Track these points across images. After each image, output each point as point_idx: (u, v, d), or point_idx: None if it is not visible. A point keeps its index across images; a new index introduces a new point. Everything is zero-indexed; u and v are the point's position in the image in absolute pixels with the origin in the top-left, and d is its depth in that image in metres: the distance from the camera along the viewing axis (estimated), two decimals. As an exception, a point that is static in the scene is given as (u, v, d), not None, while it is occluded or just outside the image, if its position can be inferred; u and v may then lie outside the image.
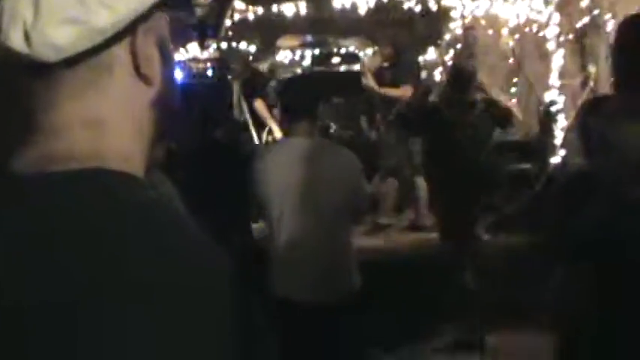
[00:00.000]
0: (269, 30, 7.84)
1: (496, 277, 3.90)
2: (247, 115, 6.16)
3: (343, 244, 2.71)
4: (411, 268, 4.23)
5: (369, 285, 2.73)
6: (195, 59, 7.82)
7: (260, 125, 6.24)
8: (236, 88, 6.31)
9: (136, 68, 0.65)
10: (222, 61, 7.07)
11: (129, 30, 0.63)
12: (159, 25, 0.67)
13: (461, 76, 4.12)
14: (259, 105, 6.13)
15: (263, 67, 7.11)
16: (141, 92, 0.66)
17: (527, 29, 6.10)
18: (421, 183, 5.32)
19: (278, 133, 5.99)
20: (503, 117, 4.17)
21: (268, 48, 8.28)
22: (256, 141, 6.13)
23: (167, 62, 0.68)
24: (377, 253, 4.77)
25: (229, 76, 6.72)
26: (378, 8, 6.90)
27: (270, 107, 6.17)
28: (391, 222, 5.76)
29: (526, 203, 5.10)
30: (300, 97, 2.72)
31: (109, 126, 0.64)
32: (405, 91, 5.47)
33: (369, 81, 5.55)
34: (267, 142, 6.20)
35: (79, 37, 0.60)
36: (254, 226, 3.99)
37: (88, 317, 0.51)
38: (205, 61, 7.87)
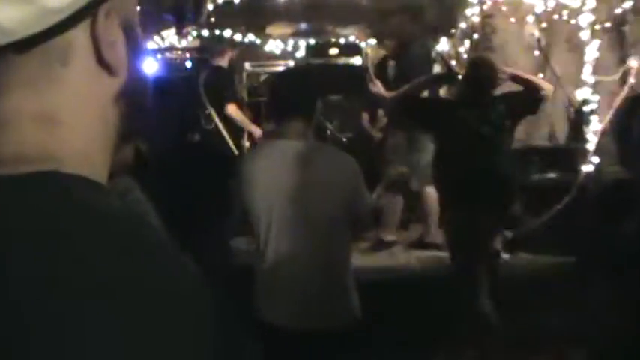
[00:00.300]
0: (257, 16, 7.87)
1: (516, 302, 3.92)
2: (217, 122, 5.95)
3: (340, 261, 2.72)
4: (419, 290, 4.24)
5: (370, 309, 2.75)
6: (171, 48, 7.81)
7: (236, 133, 6.16)
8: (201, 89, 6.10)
9: (98, 55, 0.65)
10: (202, 51, 7.06)
11: (88, 10, 0.63)
12: (124, 5, 0.67)
13: (481, 73, 4.12)
14: (232, 110, 6.02)
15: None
16: (103, 83, 0.66)
17: (555, 16, 6.10)
18: (431, 193, 5.34)
19: (258, 134, 6.04)
20: (529, 97, 4.17)
21: (256, 36, 8.31)
22: (235, 151, 5.99)
23: (134, 48, 0.68)
24: (379, 272, 4.81)
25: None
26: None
27: (241, 107, 6.14)
28: (396, 238, 5.78)
29: (553, 217, 5.12)
30: (293, 94, 2.71)
31: (64, 122, 0.63)
32: None
33: (377, 87, 5.60)
34: (248, 150, 6.16)
35: (28, 19, 0.59)
36: (239, 239, 4.01)
37: (46, 314, 0.51)
38: (184, 50, 7.84)
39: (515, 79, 4.25)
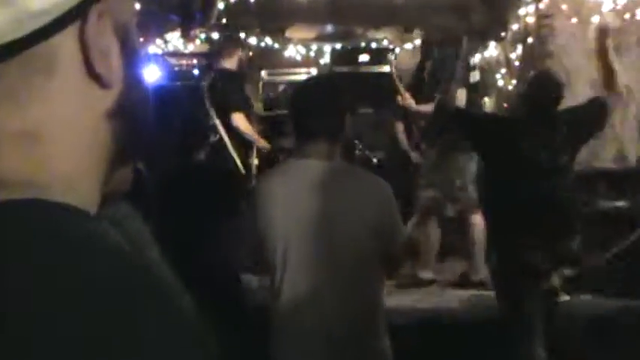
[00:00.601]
0: (276, 16, 7.91)
1: (575, 352, 3.86)
2: (223, 134, 5.99)
3: (370, 302, 2.73)
4: (461, 336, 4.23)
5: (405, 358, 2.76)
6: (176, 54, 7.90)
7: (244, 147, 6.18)
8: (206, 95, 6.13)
9: (88, 65, 0.65)
10: (212, 57, 7.10)
11: (77, 13, 0.63)
12: (119, 6, 0.68)
13: (545, 93, 4.11)
14: (239, 119, 6.03)
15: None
16: (94, 97, 0.66)
17: (626, 16, 6.05)
18: (476, 222, 5.30)
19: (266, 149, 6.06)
20: (595, 111, 4.13)
21: (274, 40, 8.34)
22: (241, 169, 6.03)
23: (131, 57, 0.68)
24: (415, 315, 4.79)
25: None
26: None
27: (251, 120, 6.17)
28: (434, 275, 5.77)
29: (621, 252, 5.05)
30: (318, 108, 2.71)
31: (48, 142, 0.63)
32: None
33: (406, 99, 5.61)
34: (258, 168, 6.17)
35: (6, 23, 0.59)
36: (248, 277, 4.04)
37: None
38: (190, 56, 7.94)
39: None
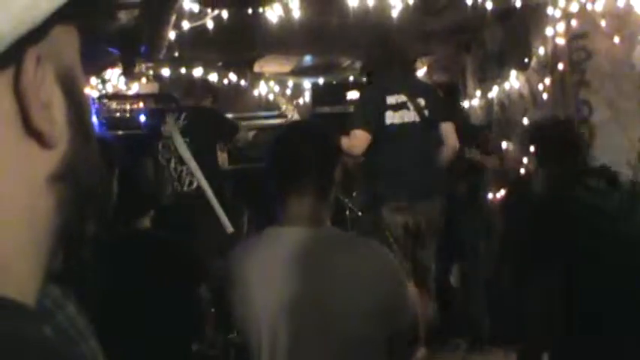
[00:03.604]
0: (242, 47, 7.86)
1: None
2: (203, 183, 5.98)
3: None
4: None
5: None
6: (117, 96, 7.86)
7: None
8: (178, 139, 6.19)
9: (25, 120, 0.67)
10: (163, 99, 6.96)
11: (9, 58, 0.65)
12: (61, 48, 0.70)
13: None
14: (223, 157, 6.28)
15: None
16: (33, 159, 0.68)
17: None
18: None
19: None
20: None
21: (240, 76, 8.29)
22: (228, 227, 5.96)
23: (77, 109, 0.71)
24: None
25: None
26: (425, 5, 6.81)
27: None
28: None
29: None
30: (303, 163, 2.77)
31: None
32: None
33: None
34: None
35: None
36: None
37: None
38: (135, 98, 7.86)
39: None
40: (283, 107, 8.19)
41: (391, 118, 5.86)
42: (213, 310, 4.18)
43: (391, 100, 5.80)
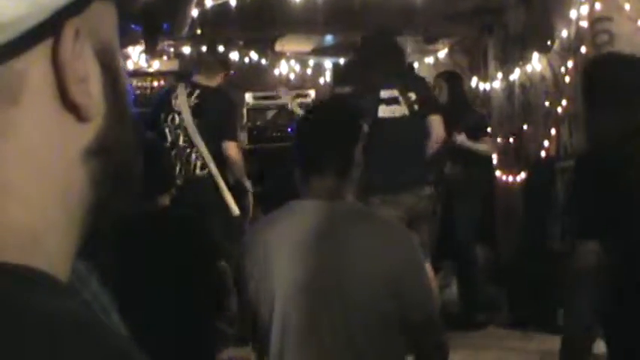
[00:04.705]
0: (264, 26, 7.86)
1: None
2: (212, 167, 6.01)
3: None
4: None
5: None
6: (139, 73, 7.89)
7: (236, 186, 6.20)
8: (188, 118, 6.04)
9: (62, 93, 0.66)
10: (183, 77, 6.95)
11: (48, 29, 0.64)
12: (100, 22, 0.69)
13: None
14: (233, 151, 6.06)
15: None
16: (68, 132, 0.68)
17: None
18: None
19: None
20: None
21: (261, 55, 8.27)
22: (235, 211, 6.01)
23: (114, 84, 0.70)
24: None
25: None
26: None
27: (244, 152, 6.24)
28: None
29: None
30: (323, 141, 2.82)
31: (7, 187, 0.65)
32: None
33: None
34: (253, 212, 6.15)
35: None
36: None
37: None
38: (157, 76, 7.83)
39: None
40: (290, 105, 8.09)
41: (383, 111, 5.91)
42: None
43: (385, 94, 5.82)
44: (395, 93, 5.83)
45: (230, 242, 5.28)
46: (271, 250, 2.73)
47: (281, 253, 2.71)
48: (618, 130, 3.83)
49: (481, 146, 7.02)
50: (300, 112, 7.33)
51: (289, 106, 8.08)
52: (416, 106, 5.86)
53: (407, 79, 6.15)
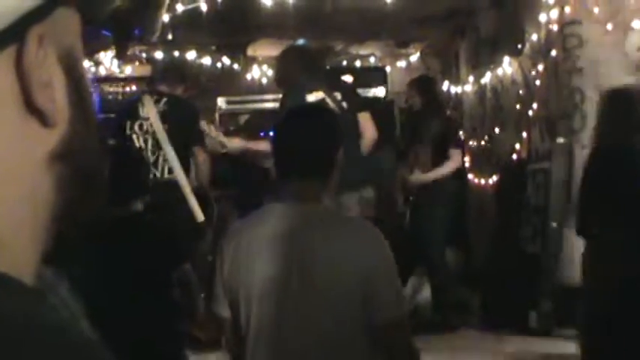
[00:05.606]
0: (235, 31, 7.84)
1: None
2: (180, 175, 6.01)
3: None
4: None
5: None
6: (109, 79, 7.78)
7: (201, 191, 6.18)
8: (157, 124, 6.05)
9: (26, 98, 0.66)
10: (155, 82, 6.93)
11: (11, 36, 0.65)
12: (64, 28, 0.70)
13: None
14: (202, 158, 6.09)
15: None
16: (33, 137, 0.68)
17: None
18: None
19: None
20: None
21: (233, 59, 8.25)
22: (200, 217, 6.03)
23: (77, 88, 0.71)
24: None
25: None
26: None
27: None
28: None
29: None
30: (302, 147, 2.80)
31: None
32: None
33: None
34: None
35: None
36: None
37: None
38: (127, 81, 7.81)
39: None
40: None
41: None
42: (202, 295, 4.22)
43: (311, 97, 5.83)
44: (321, 94, 5.83)
45: (194, 246, 5.33)
46: (248, 251, 2.72)
47: (255, 255, 2.70)
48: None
49: (441, 170, 6.93)
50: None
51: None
52: (344, 104, 5.86)
53: (330, 82, 6.16)
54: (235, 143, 6.35)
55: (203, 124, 6.09)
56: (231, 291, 2.75)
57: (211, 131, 6.22)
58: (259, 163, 6.28)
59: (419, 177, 6.90)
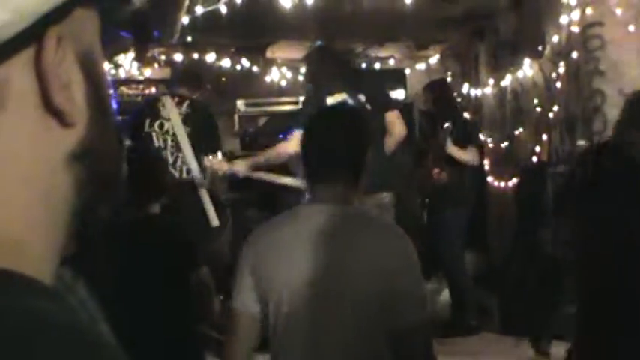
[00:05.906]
0: (255, 32, 7.83)
1: None
2: (199, 179, 6.11)
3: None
4: None
5: None
6: (128, 81, 7.83)
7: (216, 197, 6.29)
8: (178, 125, 6.14)
9: (45, 99, 0.66)
10: (174, 84, 6.94)
11: (30, 37, 0.65)
12: (83, 30, 0.70)
13: None
14: (220, 162, 6.07)
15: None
16: (52, 138, 0.68)
17: None
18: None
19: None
20: None
21: (253, 61, 8.23)
22: (214, 221, 6.10)
23: (96, 89, 0.71)
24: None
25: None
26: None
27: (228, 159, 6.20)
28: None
29: None
30: (332, 151, 2.80)
31: None
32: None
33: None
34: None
35: None
36: None
37: None
38: (147, 83, 7.86)
39: None
40: None
41: None
42: (221, 297, 4.21)
43: (331, 100, 5.77)
44: (343, 96, 5.78)
45: (209, 248, 5.35)
46: (275, 252, 2.73)
47: (285, 257, 2.71)
48: None
49: (463, 155, 6.94)
50: None
51: None
52: (368, 105, 5.81)
53: (354, 82, 6.12)
54: (242, 166, 6.22)
55: (207, 161, 6.02)
56: (259, 291, 2.73)
57: (216, 168, 6.13)
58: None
59: (450, 146, 6.85)
